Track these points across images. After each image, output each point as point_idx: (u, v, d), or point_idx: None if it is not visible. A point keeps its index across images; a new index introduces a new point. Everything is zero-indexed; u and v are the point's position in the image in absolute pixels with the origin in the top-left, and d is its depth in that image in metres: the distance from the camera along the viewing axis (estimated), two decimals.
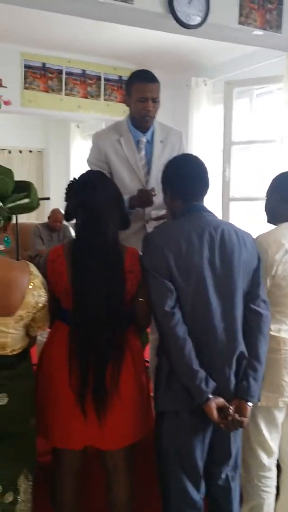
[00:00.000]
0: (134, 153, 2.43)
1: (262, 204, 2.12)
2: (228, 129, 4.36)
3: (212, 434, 1.77)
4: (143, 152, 2.45)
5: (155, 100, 2.36)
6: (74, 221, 1.84)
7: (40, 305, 1.63)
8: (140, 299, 1.80)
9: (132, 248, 1.82)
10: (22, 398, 1.63)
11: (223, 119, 4.39)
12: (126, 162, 2.43)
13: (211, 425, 1.73)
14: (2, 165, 1.65)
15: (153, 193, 2.29)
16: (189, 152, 2.51)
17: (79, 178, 1.82)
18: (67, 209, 1.82)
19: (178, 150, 2.51)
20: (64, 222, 5.58)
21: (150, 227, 2.39)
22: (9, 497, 1.63)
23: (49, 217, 5.82)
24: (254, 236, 1.92)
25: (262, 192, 2.12)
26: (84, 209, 1.75)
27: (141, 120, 2.40)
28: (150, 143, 2.47)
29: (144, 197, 2.29)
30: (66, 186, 1.84)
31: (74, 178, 1.82)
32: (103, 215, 1.73)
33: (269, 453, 2.01)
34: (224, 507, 1.87)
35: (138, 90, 2.34)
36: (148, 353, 2.45)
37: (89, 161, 2.51)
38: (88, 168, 2.47)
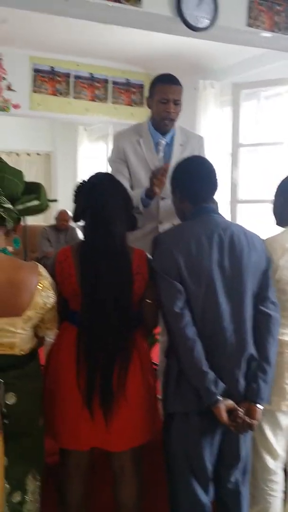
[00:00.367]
0: (152, 154, 2.45)
1: (270, 206, 2.12)
2: (236, 131, 4.36)
3: (221, 436, 1.77)
4: (161, 154, 2.46)
5: (177, 103, 2.39)
6: (82, 222, 1.84)
7: (49, 306, 1.64)
8: (148, 301, 1.80)
9: (139, 250, 1.82)
10: (30, 397, 1.64)
11: (231, 121, 4.39)
12: (144, 163, 2.45)
13: (221, 428, 1.73)
14: (13, 167, 1.66)
15: (165, 171, 2.26)
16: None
17: (87, 180, 1.83)
18: (75, 210, 1.83)
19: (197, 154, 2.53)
20: (72, 224, 5.61)
21: (162, 229, 2.40)
22: (17, 497, 1.63)
23: (56, 218, 5.86)
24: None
25: (270, 194, 2.12)
26: (92, 211, 1.76)
27: (161, 122, 2.43)
28: (170, 146, 2.48)
29: (157, 177, 2.27)
30: (74, 188, 1.85)
31: (83, 180, 1.83)
32: (111, 217, 1.74)
33: (274, 456, 2.00)
34: (234, 511, 1.86)
35: (160, 91, 2.38)
36: (157, 355, 2.46)
37: (110, 160, 2.54)
38: (112, 167, 2.50)
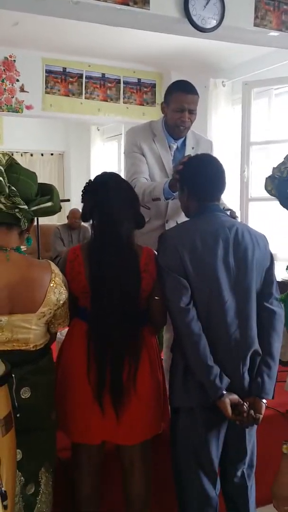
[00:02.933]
0: (167, 153, 2.48)
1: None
2: (246, 129, 4.37)
3: (227, 431, 1.80)
4: (172, 158, 2.49)
5: (192, 112, 2.41)
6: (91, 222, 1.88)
7: (61, 302, 1.68)
8: (156, 298, 1.83)
9: (147, 248, 1.85)
10: (43, 392, 1.68)
11: (241, 119, 4.40)
12: (159, 161, 2.48)
13: (226, 422, 1.76)
14: (27, 168, 1.70)
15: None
16: None
17: (94, 179, 1.85)
18: (83, 210, 1.86)
19: None
20: (83, 224, 5.68)
21: (169, 226, 2.42)
22: (31, 489, 1.67)
23: (67, 217, 5.95)
24: (270, 236, 1.94)
25: None
26: (99, 210, 1.79)
27: (174, 129, 2.45)
28: (180, 150, 2.51)
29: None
30: (82, 188, 1.89)
31: (90, 180, 1.86)
32: (118, 216, 1.76)
33: None
34: (240, 505, 1.89)
35: (176, 100, 2.39)
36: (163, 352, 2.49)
37: (127, 152, 2.55)
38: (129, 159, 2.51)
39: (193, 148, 2.51)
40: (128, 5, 2.75)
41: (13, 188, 1.58)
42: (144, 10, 2.78)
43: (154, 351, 1.89)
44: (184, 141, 2.53)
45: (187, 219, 1.99)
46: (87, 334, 1.77)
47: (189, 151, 2.48)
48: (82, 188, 1.86)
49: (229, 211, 2.22)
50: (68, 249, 1.90)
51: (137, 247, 1.82)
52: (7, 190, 1.57)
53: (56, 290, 1.66)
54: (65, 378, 1.82)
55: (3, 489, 1.09)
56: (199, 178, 1.87)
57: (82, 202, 1.86)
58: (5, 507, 1.10)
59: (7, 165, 1.62)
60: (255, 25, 3.07)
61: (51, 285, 1.65)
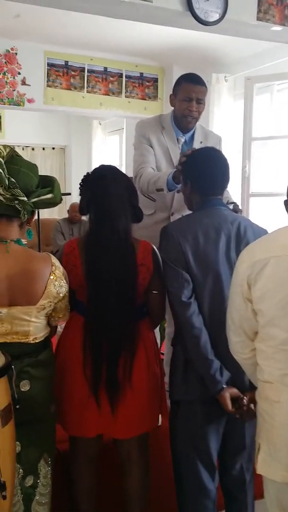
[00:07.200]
0: (175, 146, 2.48)
1: (282, 199, 2.09)
2: (248, 124, 4.35)
3: (226, 424, 1.80)
4: (180, 151, 2.49)
5: (200, 102, 2.41)
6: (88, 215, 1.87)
7: (61, 295, 1.68)
8: (154, 292, 1.83)
9: (144, 242, 1.84)
10: (43, 385, 1.69)
11: (243, 114, 4.39)
12: (166, 153, 2.48)
13: (225, 416, 1.76)
14: (28, 160, 1.70)
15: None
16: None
17: (92, 172, 1.84)
18: (81, 203, 1.85)
19: None
20: (84, 218, 5.68)
21: (174, 219, 2.42)
22: (29, 481, 1.69)
23: (68, 211, 5.95)
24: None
25: (282, 188, 2.10)
26: (96, 203, 1.78)
27: (182, 120, 2.45)
28: (188, 144, 2.50)
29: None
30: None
31: (88, 173, 1.85)
32: (115, 209, 1.75)
33: None
34: (239, 498, 1.90)
35: (184, 90, 2.40)
36: (164, 346, 2.49)
37: (136, 144, 2.55)
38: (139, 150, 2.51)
39: (201, 142, 2.51)
40: None
41: (12, 179, 1.58)
42: (146, 2, 2.78)
43: (151, 345, 1.89)
44: (193, 135, 2.52)
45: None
46: (83, 328, 1.77)
47: (197, 145, 2.48)
48: (81, 181, 1.85)
49: (233, 205, 2.22)
50: (65, 242, 1.90)
51: (134, 240, 1.81)
52: (6, 181, 1.57)
53: (56, 283, 1.66)
54: (62, 372, 1.82)
55: (1, 479, 1.09)
56: (202, 171, 1.86)
57: (80, 195, 1.85)
58: (3, 497, 1.10)
59: (8, 157, 1.62)
60: (258, 19, 3.06)
61: (51, 277, 1.65)
